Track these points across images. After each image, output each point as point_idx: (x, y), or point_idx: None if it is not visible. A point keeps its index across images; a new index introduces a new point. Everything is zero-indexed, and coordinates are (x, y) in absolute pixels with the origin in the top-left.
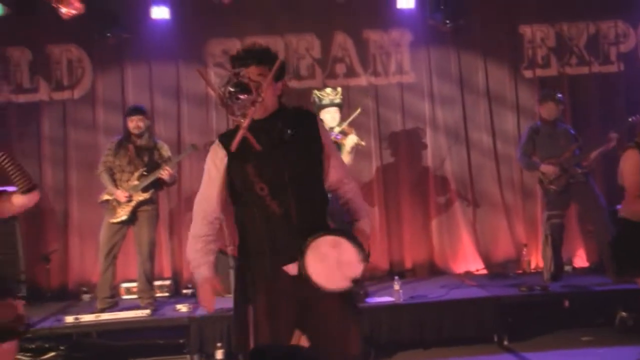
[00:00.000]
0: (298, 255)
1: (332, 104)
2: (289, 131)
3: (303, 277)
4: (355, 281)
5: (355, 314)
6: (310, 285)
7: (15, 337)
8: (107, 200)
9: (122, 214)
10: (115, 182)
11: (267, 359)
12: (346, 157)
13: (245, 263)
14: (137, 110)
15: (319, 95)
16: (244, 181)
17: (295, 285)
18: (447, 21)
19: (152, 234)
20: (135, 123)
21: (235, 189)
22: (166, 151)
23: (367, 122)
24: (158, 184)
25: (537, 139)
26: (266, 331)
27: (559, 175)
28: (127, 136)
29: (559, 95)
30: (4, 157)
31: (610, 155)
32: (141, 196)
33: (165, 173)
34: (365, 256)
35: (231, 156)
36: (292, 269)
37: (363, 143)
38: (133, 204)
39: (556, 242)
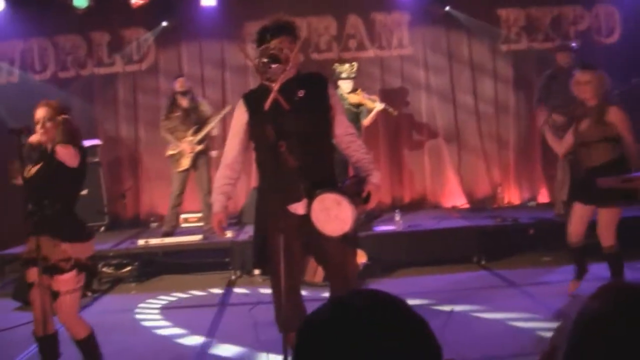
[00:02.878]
0: (306, 198)
1: (348, 77)
2: (299, 93)
3: (308, 218)
4: (345, 236)
5: (352, 246)
6: (312, 225)
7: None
8: (172, 155)
9: (185, 164)
10: (176, 139)
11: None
12: (368, 119)
13: (262, 200)
14: (181, 74)
15: (338, 68)
16: (264, 137)
17: (302, 223)
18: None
19: (209, 173)
20: (181, 83)
21: (256, 139)
22: (206, 106)
23: (374, 86)
24: (208, 136)
25: (553, 85)
26: (284, 262)
27: (565, 123)
28: (174, 101)
29: (573, 44)
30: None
31: None
32: (197, 148)
33: (213, 130)
34: (358, 218)
35: (251, 113)
36: (298, 208)
37: (395, 112)
38: (192, 155)
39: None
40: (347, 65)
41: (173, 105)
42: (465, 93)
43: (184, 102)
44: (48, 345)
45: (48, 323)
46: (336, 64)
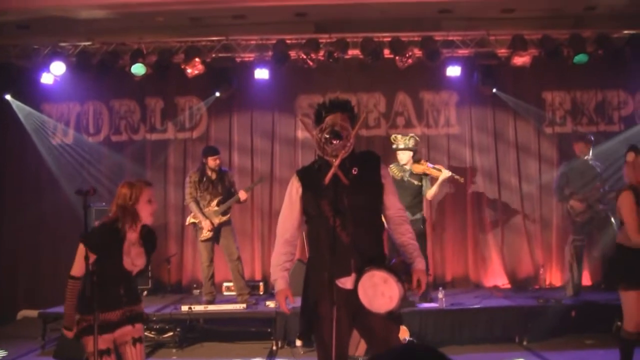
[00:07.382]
0: (355, 274)
1: (405, 148)
2: (353, 170)
3: (355, 292)
4: (390, 313)
5: (396, 322)
6: (358, 300)
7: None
8: (193, 223)
9: (207, 234)
10: (200, 209)
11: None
12: (435, 189)
13: (311, 272)
14: (216, 151)
15: (396, 140)
16: (318, 212)
17: (349, 298)
18: (486, 87)
19: (236, 243)
20: (215, 162)
21: (308, 214)
22: (231, 176)
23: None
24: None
25: (570, 174)
26: (333, 332)
27: (584, 210)
28: (203, 171)
29: (590, 136)
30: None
31: None
32: (221, 219)
33: (242, 197)
34: (404, 297)
35: (305, 189)
36: (347, 283)
37: (461, 180)
38: (215, 225)
39: (579, 261)
40: (400, 136)
41: (201, 174)
42: (510, 173)
43: (213, 174)
44: None
45: None
46: (394, 135)
